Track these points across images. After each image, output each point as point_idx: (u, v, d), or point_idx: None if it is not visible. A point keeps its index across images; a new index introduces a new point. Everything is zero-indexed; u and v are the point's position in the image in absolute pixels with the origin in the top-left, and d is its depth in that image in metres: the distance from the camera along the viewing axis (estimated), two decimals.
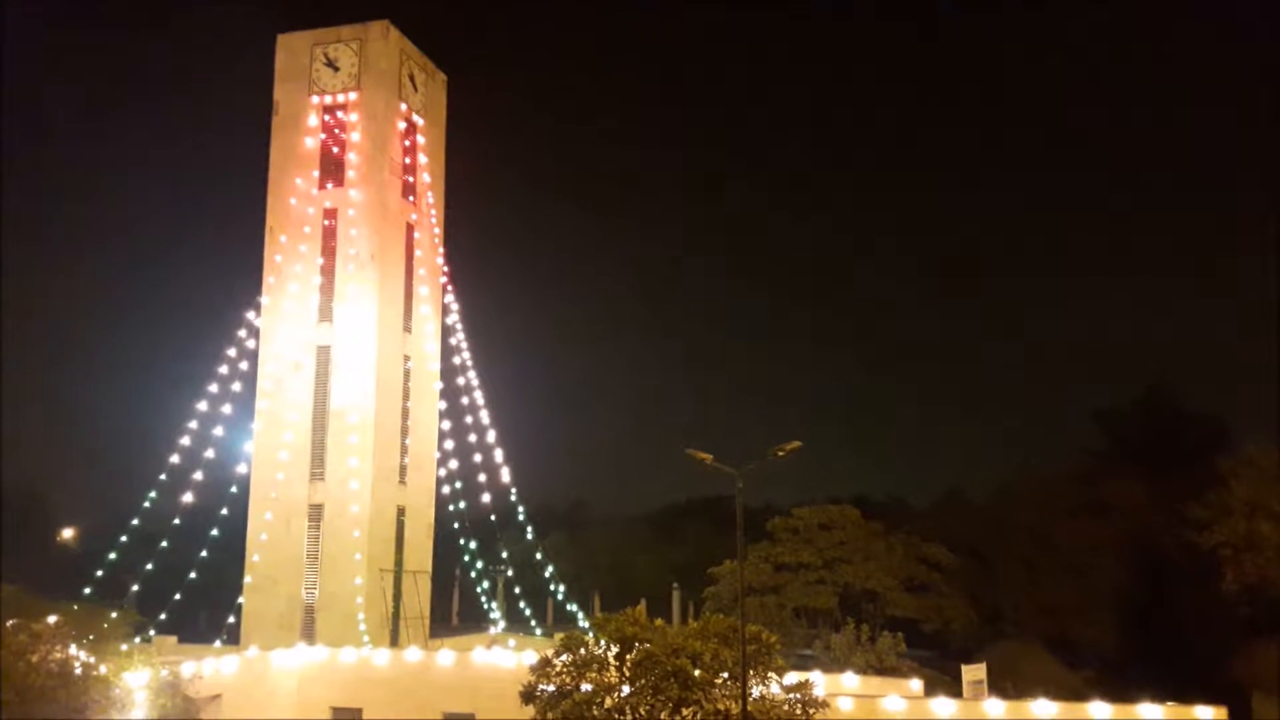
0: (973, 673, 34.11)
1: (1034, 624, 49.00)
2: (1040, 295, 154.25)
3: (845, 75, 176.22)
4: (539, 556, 48.89)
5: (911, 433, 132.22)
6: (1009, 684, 34.57)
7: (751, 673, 23.90)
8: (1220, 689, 33.22)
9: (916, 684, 34.41)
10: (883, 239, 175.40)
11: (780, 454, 22.63)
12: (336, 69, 44.65)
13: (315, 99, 44.60)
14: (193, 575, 39.68)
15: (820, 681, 28.46)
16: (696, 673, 24.17)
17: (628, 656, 24.99)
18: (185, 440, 40.01)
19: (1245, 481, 42.41)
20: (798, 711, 24.43)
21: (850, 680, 33.38)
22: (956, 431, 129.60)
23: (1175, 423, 55.63)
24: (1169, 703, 28.25)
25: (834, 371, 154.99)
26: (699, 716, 24.04)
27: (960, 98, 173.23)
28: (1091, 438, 61.97)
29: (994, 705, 29.02)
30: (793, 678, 25.50)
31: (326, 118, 44.56)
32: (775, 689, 24.90)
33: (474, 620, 50.70)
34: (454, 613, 59.12)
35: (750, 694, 23.49)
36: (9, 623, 24.94)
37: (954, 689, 34.09)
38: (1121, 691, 31.58)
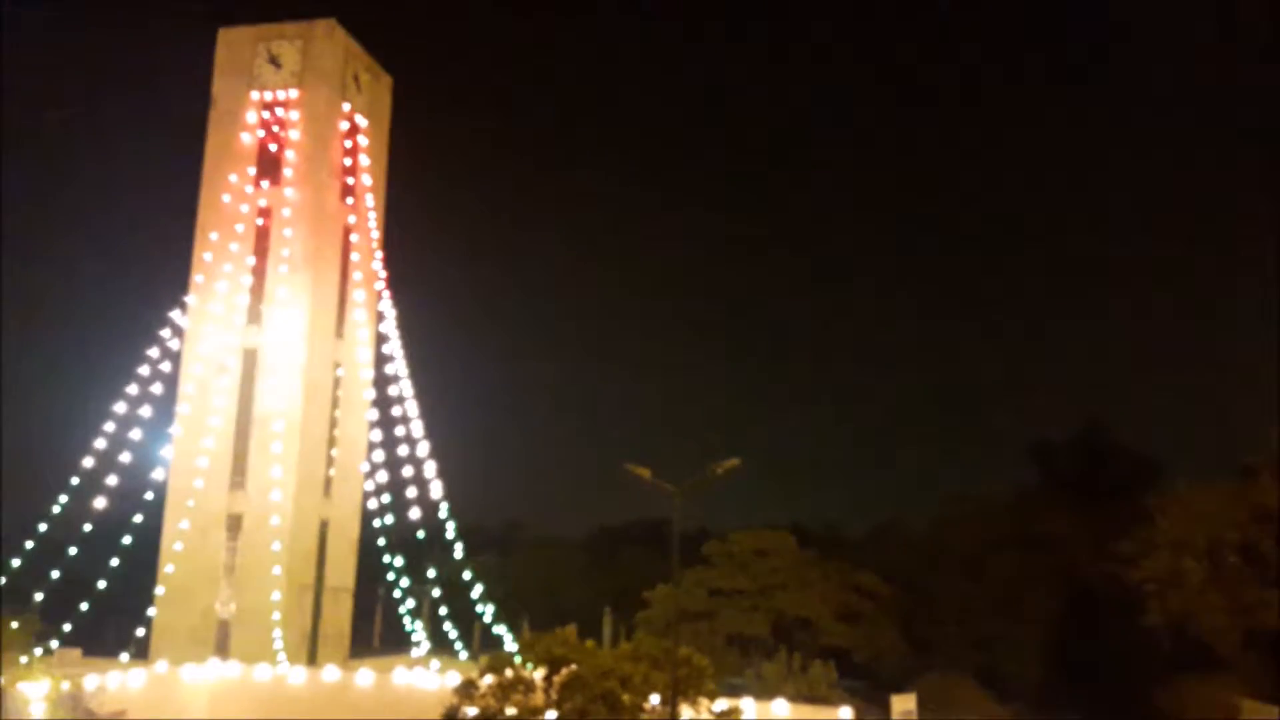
0: (903, 703, 34.05)
1: (965, 655, 49.15)
2: (980, 329, 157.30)
3: (801, 74, 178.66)
4: (468, 577, 47.61)
5: (849, 461, 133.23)
6: (937, 715, 34.44)
7: (681, 697, 23.37)
8: None
9: (847, 713, 34.14)
10: (829, 266, 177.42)
11: (719, 471, 22.27)
12: (279, 66, 43.71)
13: (255, 95, 43.60)
14: (102, 585, 37.66)
15: (750, 708, 28.04)
16: (625, 696, 23.58)
17: (555, 679, 24.38)
18: (100, 443, 38.14)
19: (1172, 518, 43.19)
20: None
21: (781, 708, 33.04)
22: (895, 462, 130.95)
23: (1106, 459, 56.78)
24: None
25: (773, 399, 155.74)
26: None
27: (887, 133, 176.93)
28: (1026, 471, 62.89)
29: None
30: (723, 704, 25.07)
31: (266, 115, 43.57)
32: (705, 714, 24.43)
33: (396, 641, 49.12)
34: (376, 633, 57.38)
35: (680, 718, 22.92)
36: None
37: (884, 719, 33.88)
38: None
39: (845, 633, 50.72)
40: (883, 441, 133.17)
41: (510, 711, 24.44)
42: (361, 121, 45.74)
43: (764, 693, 38.28)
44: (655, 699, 24.00)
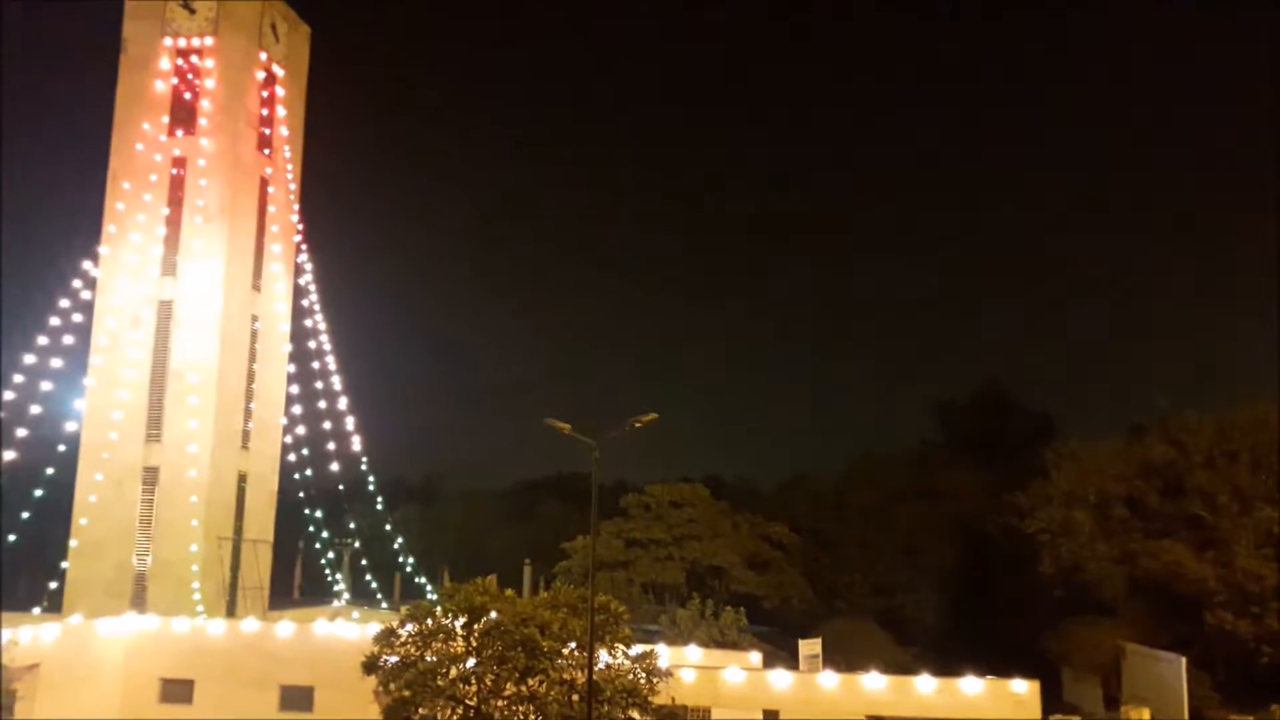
0: (809, 647, 35.80)
1: (868, 602, 51.58)
2: (890, 288, 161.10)
3: (699, 27, 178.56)
4: (389, 529, 48.02)
5: (762, 417, 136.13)
6: (842, 659, 36.27)
7: (598, 643, 24.30)
8: (1035, 665, 35.71)
9: (756, 657, 35.67)
10: (749, 221, 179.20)
11: (637, 425, 23.02)
12: (193, 11, 42.47)
13: (169, 41, 42.28)
14: (13, 539, 36.99)
15: (665, 654, 29.22)
16: (544, 643, 24.39)
17: (475, 627, 25.01)
18: (10, 395, 37.20)
19: (1065, 473, 45.73)
20: (642, 681, 25.01)
21: (693, 653, 34.37)
22: (804, 418, 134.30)
23: (1005, 416, 59.56)
24: (989, 677, 30.19)
25: (692, 355, 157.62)
26: (545, 685, 24.30)
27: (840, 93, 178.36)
28: (929, 428, 65.54)
29: (828, 678, 30.42)
30: (638, 649, 26.07)
31: (180, 62, 42.32)
32: (621, 659, 25.41)
33: (318, 593, 49.39)
34: (296, 585, 57.44)
35: (597, 663, 23.88)
36: None
37: (791, 663, 35.58)
38: (946, 666, 33.60)
39: (755, 581, 52.74)
40: (794, 399, 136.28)
41: (430, 659, 25.02)
42: (279, 71, 44.76)
43: (678, 638, 39.82)
44: (573, 645, 24.83)
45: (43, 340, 37.97)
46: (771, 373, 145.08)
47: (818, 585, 54.57)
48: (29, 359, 37.63)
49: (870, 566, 53.14)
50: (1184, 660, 34.90)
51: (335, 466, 43.90)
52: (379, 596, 47.55)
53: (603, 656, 24.73)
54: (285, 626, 32.58)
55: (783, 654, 39.02)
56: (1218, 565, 39.52)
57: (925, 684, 29.95)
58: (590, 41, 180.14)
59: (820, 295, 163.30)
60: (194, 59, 42.22)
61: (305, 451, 43.62)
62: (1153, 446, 43.95)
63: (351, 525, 49.34)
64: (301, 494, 43.83)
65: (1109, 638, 40.44)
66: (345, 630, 32.79)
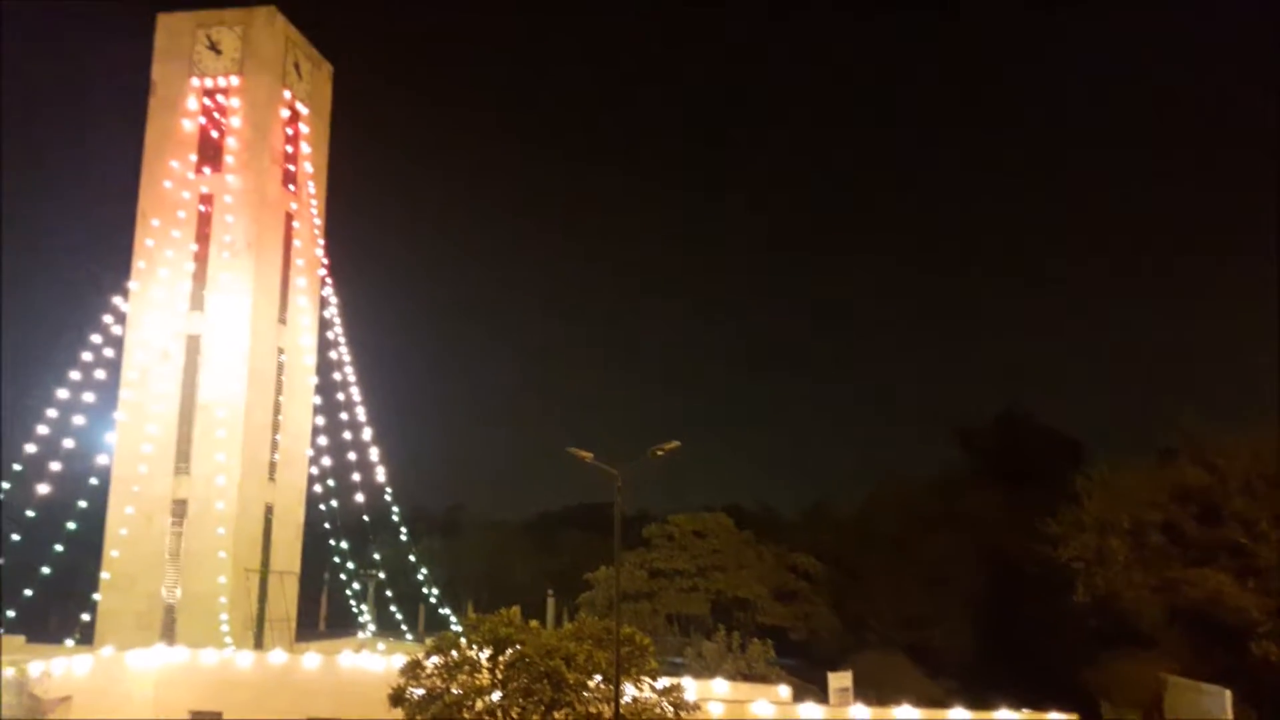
0: (839, 680, 35.29)
1: (897, 633, 50.83)
2: (912, 311, 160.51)
3: (716, 64, 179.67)
4: (412, 560, 48.08)
5: (782, 444, 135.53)
6: (873, 692, 35.79)
7: (624, 675, 24.17)
8: (1072, 697, 35.00)
9: (785, 690, 35.31)
10: (764, 252, 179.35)
11: (659, 453, 22.99)
12: (219, 52, 43.36)
13: (195, 81, 43.20)
14: (46, 571, 37.40)
15: (691, 687, 28.96)
16: (570, 675, 24.29)
17: (500, 658, 24.95)
18: (43, 429, 37.77)
19: (1097, 499, 44.95)
20: (669, 715, 24.82)
21: (721, 686, 34.07)
22: (826, 444, 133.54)
23: (1031, 440, 58.76)
24: (1025, 710, 29.66)
25: (709, 382, 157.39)
26: (571, 719, 24.16)
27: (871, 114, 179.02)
28: (952, 453, 64.84)
29: (859, 711, 30.03)
30: (665, 682, 25.91)
31: (206, 101, 43.25)
32: (648, 692, 25.25)
33: (343, 625, 49.40)
34: (322, 616, 57.50)
35: (623, 696, 23.74)
36: None
37: (821, 696, 35.12)
38: (980, 699, 33.04)
39: (782, 612, 52.22)
40: (816, 427, 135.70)
41: (456, 691, 24.94)
42: (302, 109, 45.60)
43: (704, 671, 39.50)
44: (599, 678, 24.71)
45: (75, 375, 38.58)
46: (789, 397, 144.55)
47: (846, 616, 53.92)
48: (61, 393, 38.24)
49: (898, 596, 52.46)
50: (1228, 693, 34.04)
51: (360, 498, 44.15)
52: (403, 628, 47.54)
53: (629, 689, 24.58)
54: (312, 658, 32.66)
55: (812, 687, 38.55)
56: (1261, 594, 38.54)
57: (960, 716, 29.51)
58: (617, 68, 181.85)
59: (840, 317, 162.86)
60: (220, 98, 43.11)
61: (331, 483, 43.91)
62: (1186, 471, 43.16)
63: (376, 556, 49.44)
64: (327, 525, 44.09)
65: (1149, 670, 39.51)
66: (371, 662, 32.83)
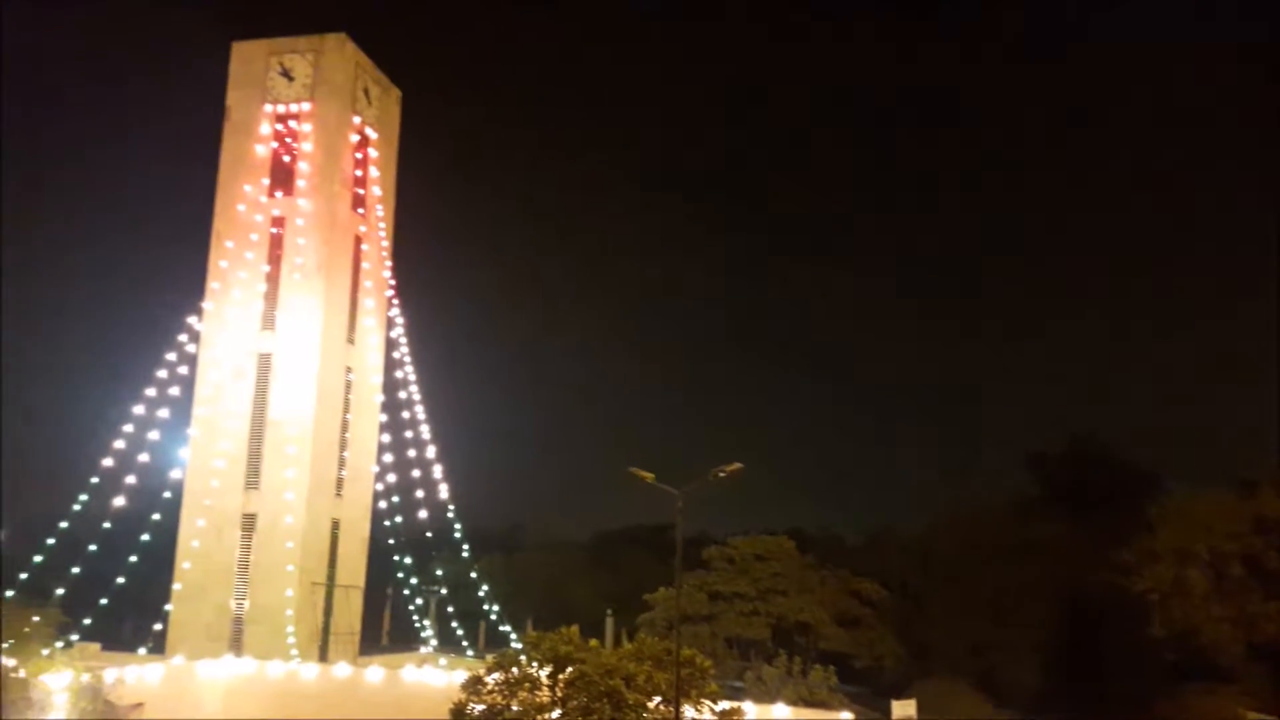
0: (902, 708, 34.51)
1: (962, 662, 49.63)
2: (977, 337, 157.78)
3: (799, 95, 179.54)
4: (474, 576, 48.42)
5: (847, 468, 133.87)
6: None
7: (684, 697, 24.03)
8: None
9: (847, 717, 34.67)
10: (828, 273, 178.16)
11: (721, 475, 22.92)
12: (291, 79, 44.57)
13: (269, 107, 44.42)
14: (120, 581, 38.54)
15: (751, 711, 28.64)
16: (629, 695, 24.21)
17: (560, 676, 25.00)
18: (120, 444, 39.01)
19: (1173, 529, 43.53)
20: None
21: (781, 711, 33.55)
22: (890, 468, 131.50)
23: (1103, 467, 57.18)
24: None
25: (774, 405, 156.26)
26: None
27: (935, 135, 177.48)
28: (1021, 480, 63.36)
29: None
30: (725, 705, 25.68)
31: (279, 126, 44.42)
32: (707, 714, 25.05)
33: (405, 639, 49.94)
34: (385, 631, 58.20)
35: (682, 718, 23.58)
36: None
37: None
38: None
39: (845, 638, 51.33)
40: (879, 450, 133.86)
41: (516, 708, 25.06)
42: (371, 133, 46.65)
43: (764, 696, 38.95)
44: (658, 699, 24.58)
45: (150, 392, 39.81)
46: (854, 423, 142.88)
47: (910, 644, 52.85)
48: (137, 410, 39.48)
49: (964, 624, 51.26)
50: None
51: (423, 514, 44.66)
52: (464, 644, 47.86)
53: (688, 711, 24.42)
54: (375, 672, 33.08)
55: (875, 715, 37.85)
56: None
57: None
58: (689, 94, 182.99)
59: (903, 341, 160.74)
60: (292, 124, 44.27)
61: (395, 499, 44.51)
62: (1267, 501, 41.65)
63: (438, 572, 49.94)
64: (391, 541, 44.67)
65: (1228, 706, 38.04)
66: (433, 677, 33.07)
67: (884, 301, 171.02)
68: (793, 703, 37.05)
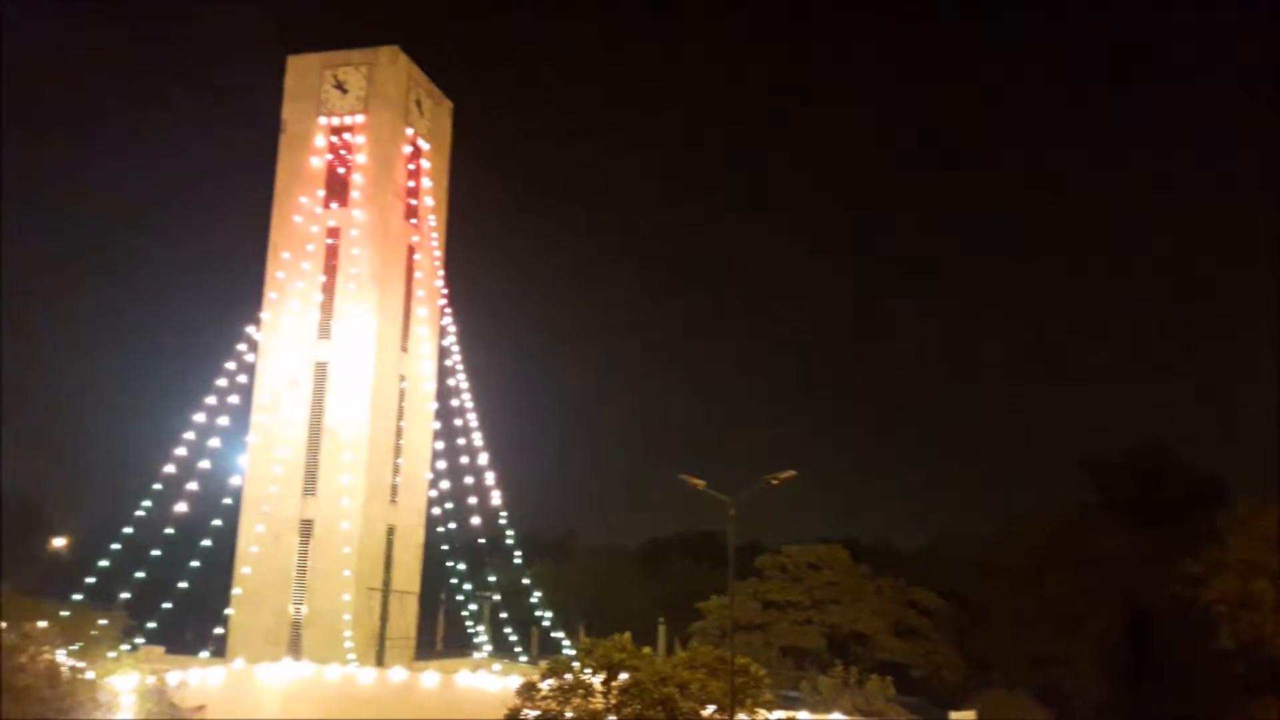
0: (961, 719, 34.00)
1: (1023, 674, 48.71)
2: (1039, 343, 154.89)
3: (867, 96, 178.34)
4: (526, 583, 48.58)
5: (902, 477, 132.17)
6: None
7: (739, 706, 23.86)
8: None
9: None
10: (880, 280, 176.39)
11: (774, 482, 22.74)
12: (345, 91, 45.20)
13: (323, 120, 45.05)
14: (183, 586, 39.33)
15: None
16: (683, 703, 24.11)
17: (614, 683, 24.96)
18: (181, 451, 39.88)
19: (1242, 539, 42.35)
20: None
21: None
22: (946, 477, 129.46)
23: (1168, 477, 55.72)
24: None
25: (827, 413, 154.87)
26: None
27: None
28: (1081, 488, 61.99)
29: None
30: (779, 715, 25.45)
31: (333, 138, 45.02)
32: None
33: (459, 644, 50.25)
34: (439, 636, 58.63)
35: None
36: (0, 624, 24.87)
37: None
38: None
39: (902, 648, 50.65)
40: (933, 459, 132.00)
41: (570, 714, 25.07)
42: (423, 145, 47.17)
43: (820, 706, 38.49)
44: (712, 708, 24.43)
45: (211, 400, 40.64)
46: (909, 429, 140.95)
47: (969, 655, 51.98)
48: (198, 418, 40.33)
49: (1024, 636, 50.27)
50: None
51: (476, 521, 44.95)
52: (518, 650, 48.02)
53: None
54: (431, 677, 33.31)
55: None
56: None
57: None
58: (737, 101, 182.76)
59: (962, 345, 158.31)
60: (346, 136, 44.89)
61: (449, 506, 44.87)
62: None
63: (491, 578, 50.19)
64: (445, 547, 45.03)
65: None
66: (487, 682, 33.21)
67: (936, 309, 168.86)
68: (849, 713, 36.59)
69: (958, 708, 35.69)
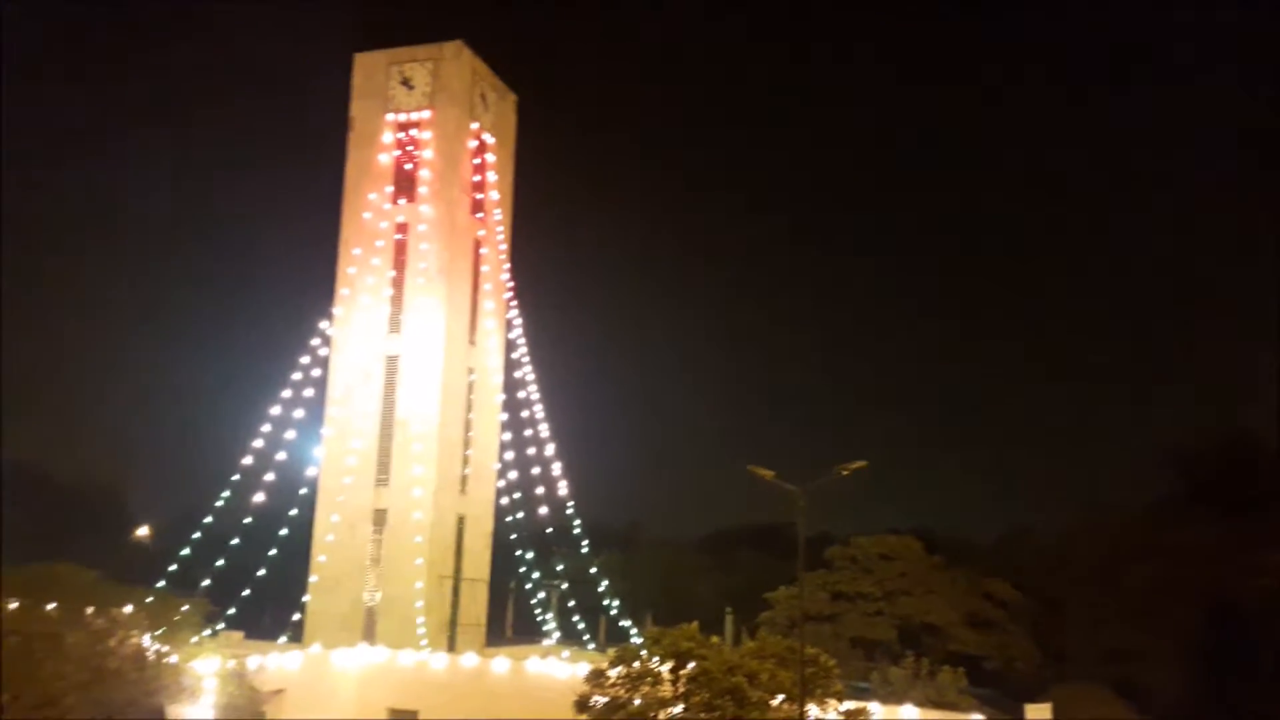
0: (1037, 712, 33.23)
1: (1100, 667, 47.61)
2: (1116, 328, 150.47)
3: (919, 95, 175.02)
4: (593, 572, 48.97)
5: (976, 467, 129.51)
6: None
7: (809, 696, 23.72)
8: None
9: None
10: (950, 268, 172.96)
11: (845, 472, 22.54)
12: (411, 88, 45.76)
13: (390, 116, 45.67)
14: (261, 573, 40.53)
15: (878, 712, 28.04)
16: (753, 693, 24.04)
17: (682, 672, 25.00)
18: (258, 443, 41.07)
19: None
20: None
21: (909, 713, 32.71)
22: (1020, 468, 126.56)
23: (1257, 465, 53.76)
24: None
25: (899, 404, 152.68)
26: None
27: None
28: (1162, 478, 60.27)
29: None
30: (850, 705, 25.24)
31: (400, 135, 45.62)
32: (832, 714, 24.66)
33: (528, 632, 50.96)
34: (508, 623, 59.46)
35: (806, 717, 23.28)
36: (88, 609, 25.86)
37: None
38: None
39: (975, 640, 49.81)
40: (1007, 448, 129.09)
41: (638, 702, 25.19)
42: (489, 139, 47.57)
43: (891, 697, 38.07)
44: (781, 698, 24.31)
45: (286, 394, 41.73)
46: (986, 419, 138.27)
47: (1045, 647, 50.91)
48: (275, 411, 41.46)
49: (1102, 628, 49.06)
50: None
51: (544, 510, 45.43)
52: (585, 637, 48.45)
53: (813, 710, 24.09)
54: (501, 663, 33.74)
55: (1007, 719, 36.57)
56: None
57: None
58: (807, 96, 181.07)
59: (1040, 330, 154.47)
60: (413, 132, 45.48)
61: (517, 496, 45.44)
62: None
63: (559, 567, 50.71)
64: (513, 536, 45.62)
65: None
66: (556, 669, 33.52)
67: (1010, 297, 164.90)
68: (921, 705, 36.09)
69: (1033, 700, 34.96)
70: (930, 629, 49.61)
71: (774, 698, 24.37)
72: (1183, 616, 47.52)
